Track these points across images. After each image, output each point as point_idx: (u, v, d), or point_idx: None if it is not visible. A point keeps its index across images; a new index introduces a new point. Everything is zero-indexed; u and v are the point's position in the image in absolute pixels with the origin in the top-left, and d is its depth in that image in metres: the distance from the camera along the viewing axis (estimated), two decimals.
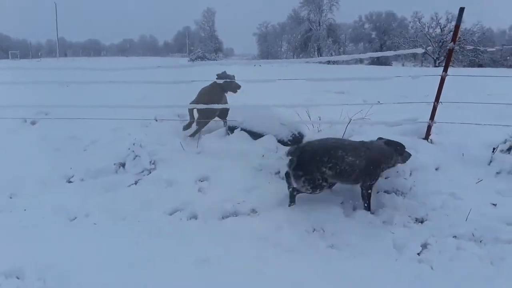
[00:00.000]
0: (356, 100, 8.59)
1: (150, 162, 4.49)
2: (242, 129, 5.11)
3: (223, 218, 3.67)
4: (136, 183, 4.27)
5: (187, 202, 3.85)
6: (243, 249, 3.15)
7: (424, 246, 3.25)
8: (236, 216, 3.72)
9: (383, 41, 63.39)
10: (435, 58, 50.20)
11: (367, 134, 5.11)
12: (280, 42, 72.05)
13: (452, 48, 4.65)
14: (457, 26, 4.60)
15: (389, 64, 53.48)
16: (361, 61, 58.65)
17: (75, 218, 3.70)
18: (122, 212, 3.69)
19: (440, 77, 4.72)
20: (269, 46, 71.10)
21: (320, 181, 3.59)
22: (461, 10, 4.51)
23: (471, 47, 12.46)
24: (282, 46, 72.19)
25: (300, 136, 5.07)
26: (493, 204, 3.86)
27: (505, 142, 4.84)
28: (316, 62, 38.94)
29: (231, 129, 5.24)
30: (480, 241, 3.30)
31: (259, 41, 73.47)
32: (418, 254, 3.14)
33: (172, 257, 3.03)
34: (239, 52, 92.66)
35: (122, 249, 3.10)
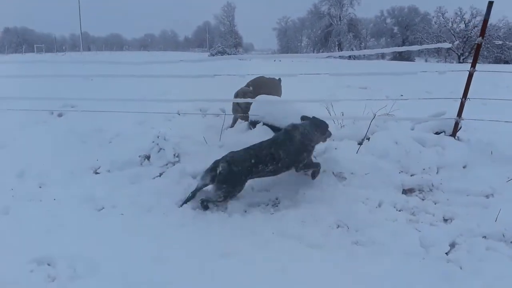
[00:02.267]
0: (380, 95, 8.50)
1: (174, 155, 4.54)
2: (264, 124, 5.09)
3: (245, 211, 3.68)
4: (160, 175, 4.32)
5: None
6: (266, 243, 3.16)
7: (452, 245, 3.17)
8: (260, 209, 3.73)
9: (405, 36, 62.08)
10: (459, 54, 48.88)
11: (391, 130, 5.05)
12: (300, 37, 71.55)
13: (480, 43, 4.52)
14: (485, 21, 4.48)
15: (412, 60, 52.44)
16: (383, 56, 57.67)
17: (103, 208, 3.77)
18: (147, 204, 3.74)
19: (467, 73, 4.60)
20: (289, 41, 70.68)
21: (237, 192, 3.77)
22: (490, 4, 4.38)
23: (500, 42, 12.09)
24: (302, 41, 71.69)
25: None
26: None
27: None
28: (337, 57, 38.63)
29: (253, 124, 5.24)
30: (511, 242, 3.21)
31: (279, 36, 73.14)
32: (446, 253, 3.07)
33: (196, 251, 3.05)
34: (258, 47, 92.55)
35: (148, 242, 3.14)
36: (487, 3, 4.44)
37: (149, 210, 3.66)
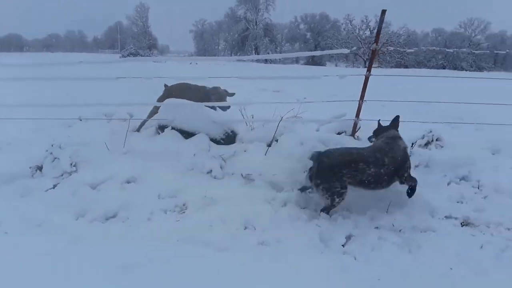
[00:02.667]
0: (291, 98, 8.81)
1: (71, 164, 4.19)
2: (173, 128, 4.96)
3: (149, 220, 3.53)
4: (54, 187, 3.96)
5: (111, 205, 3.64)
6: (171, 251, 3.05)
7: (349, 237, 3.38)
8: (166, 216, 3.61)
9: (317, 42, 65.67)
10: (365, 59, 53.05)
11: (298, 131, 5.25)
12: (218, 40, 71.79)
13: (374, 49, 4.90)
14: (379, 28, 4.86)
15: (323, 64, 55.61)
16: (297, 61, 60.37)
17: None
18: (37, 219, 3.40)
19: (364, 76, 4.96)
20: (206, 44, 70.45)
21: (339, 189, 3.61)
22: (383, 12, 4.76)
23: (391, 49, 13.45)
24: (219, 44, 71.98)
25: (233, 134, 5.04)
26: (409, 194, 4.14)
27: (423, 137, 5.26)
28: (254, 61, 39.51)
29: (161, 128, 5.07)
30: (399, 231, 3.52)
31: (196, 39, 72.56)
32: (343, 246, 3.26)
33: (93, 264, 2.84)
34: (174, 49, 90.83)
35: (36, 260, 2.84)
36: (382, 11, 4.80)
37: (39, 226, 3.32)
